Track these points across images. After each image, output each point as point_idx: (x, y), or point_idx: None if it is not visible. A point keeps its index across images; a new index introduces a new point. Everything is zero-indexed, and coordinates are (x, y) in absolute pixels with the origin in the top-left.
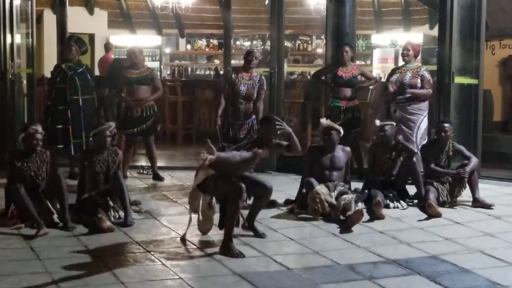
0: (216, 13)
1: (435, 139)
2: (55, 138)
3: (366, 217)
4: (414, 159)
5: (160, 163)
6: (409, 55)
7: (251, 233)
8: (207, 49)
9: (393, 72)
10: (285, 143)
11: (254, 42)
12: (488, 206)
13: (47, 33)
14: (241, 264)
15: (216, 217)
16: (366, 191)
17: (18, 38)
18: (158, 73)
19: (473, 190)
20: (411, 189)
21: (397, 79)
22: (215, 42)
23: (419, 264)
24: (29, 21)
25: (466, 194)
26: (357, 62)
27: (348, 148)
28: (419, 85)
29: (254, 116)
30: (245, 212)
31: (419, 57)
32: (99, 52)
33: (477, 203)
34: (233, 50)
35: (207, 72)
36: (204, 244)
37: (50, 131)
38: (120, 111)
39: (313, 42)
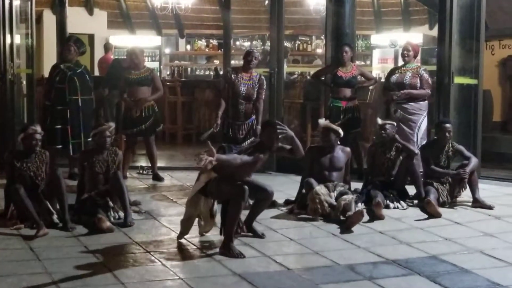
0: (216, 14)
1: (435, 139)
2: (54, 138)
3: (366, 217)
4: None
5: (160, 163)
6: (409, 55)
7: (251, 234)
8: (206, 50)
9: (392, 72)
10: (288, 147)
11: (254, 42)
12: (488, 207)
13: (47, 33)
14: (241, 265)
15: (217, 220)
16: (366, 191)
17: (17, 39)
18: (158, 74)
19: (473, 190)
20: (411, 190)
21: (397, 79)
22: (214, 42)
23: (419, 264)
24: (28, 21)
25: (466, 194)
26: (357, 62)
27: (348, 149)
28: (418, 85)
29: (254, 117)
30: (245, 212)
31: (418, 57)
32: (99, 53)
33: (477, 203)
34: (232, 51)
35: (207, 73)
36: (204, 245)
37: (49, 131)
38: (119, 112)
39: (312, 43)
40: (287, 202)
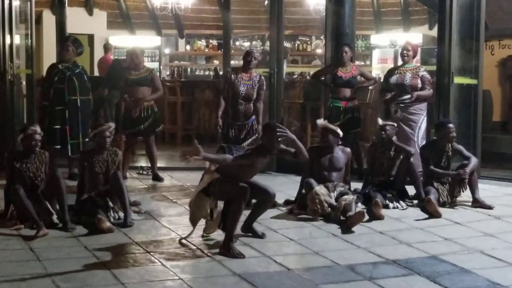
0: (216, 14)
1: (435, 139)
2: (53, 138)
3: (366, 217)
4: (412, 159)
5: (159, 163)
6: (409, 55)
7: (251, 234)
8: (206, 50)
9: (390, 72)
10: (292, 150)
11: (254, 42)
12: (488, 207)
13: (47, 33)
14: (241, 265)
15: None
16: (365, 192)
17: (17, 39)
18: (158, 74)
19: (473, 190)
20: (411, 190)
21: (397, 80)
22: (214, 42)
23: (419, 264)
24: (28, 21)
25: (465, 195)
26: (357, 63)
27: (348, 149)
28: (419, 85)
29: (254, 117)
30: (246, 213)
31: (418, 58)
32: (99, 53)
33: (477, 203)
34: (232, 51)
35: (207, 73)
36: (204, 245)
37: (48, 132)
38: (119, 112)
39: (312, 43)
40: (287, 202)
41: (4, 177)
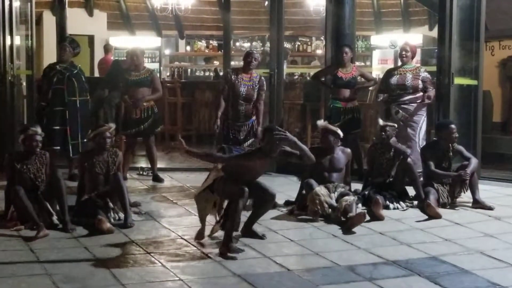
0: (216, 15)
1: (436, 140)
2: (52, 139)
3: (367, 218)
4: (410, 160)
5: (160, 164)
6: (407, 56)
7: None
8: (206, 51)
9: (389, 73)
10: (297, 152)
11: (254, 43)
12: (488, 208)
13: (47, 34)
14: (241, 266)
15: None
16: (364, 193)
17: (17, 40)
18: (158, 75)
19: (473, 191)
20: (411, 190)
21: (397, 81)
22: (214, 43)
23: (419, 265)
24: (28, 22)
25: (466, 195)
26: (357, 63)
27: (348, 150)
28: (420, 86)
29: (254, 118)
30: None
31: (418, 58)
32: (99, 54)
33: (477, 204)
34: (232, 52)
35: (207, 74)
36: (204, 246)
37: (47, 133)
38: (119, 113)
39: (312, 43)
40: (287, 203)
41: (4, 178)
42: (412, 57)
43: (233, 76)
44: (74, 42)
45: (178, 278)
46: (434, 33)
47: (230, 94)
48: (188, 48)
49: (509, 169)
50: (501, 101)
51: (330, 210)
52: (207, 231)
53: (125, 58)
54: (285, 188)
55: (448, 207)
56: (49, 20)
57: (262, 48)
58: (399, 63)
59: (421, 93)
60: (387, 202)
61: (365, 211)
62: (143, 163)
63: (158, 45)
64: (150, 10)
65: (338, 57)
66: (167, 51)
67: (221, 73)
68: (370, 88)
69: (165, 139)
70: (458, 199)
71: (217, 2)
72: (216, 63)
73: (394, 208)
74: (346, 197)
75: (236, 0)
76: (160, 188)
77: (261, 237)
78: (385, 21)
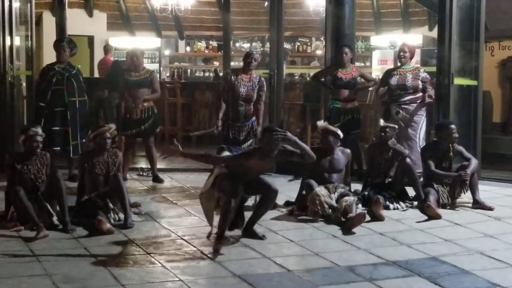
0: (216, 15)
1: (436, 140)
2: (52, 140)
3: (367, 218)
4: (408, 160)
5: (159, 165)
6: (406, 56)
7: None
8: (206, 51)
9: (388, 73)
10: (298, 151)
11: (254, 44)
12: (488, 208)
13: (47, 35)
14: (241, 266)
15: None
16: (364, 194)
17: (17, 41)
18: (158, 75)
19: (473, 191)
20: (411, 191)
21: (398, 82)
22: (214, 44)
23: (419, 265)
24: (28, 23)
25: (466, 196)
26: (356, 64)
27: (348, 150)
28: (420, 86)
29: (254, 118)
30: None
31: (418, 59)
32: (99, 54)
33: (477, 204)
34: (232, 52)
35: (207, 74)
36: (204, 246)
37: (46, 133)
38: (119, 113)
39: (312, 44)
40: (287, 204)
41: (5, 178)
42: (411, 58)
43: (232, 77)
44: (72, 43)
45: (178, 279)
46: (434, 33)
47: (230, 94)
48: (188, 48)
49: (509, 169)
50: (501, 102)
51: (330, 210)
52: (200, 233)
53: (125, 59)
54: (285, 188)
55: (448, 207)
56: (49, 21)
57: (261, 49)
58: (398, 64)
59: (421, 93)
60: (387, 202)
61: (365, 211)
62: (143, 164)
63: (157, 46)
64: (150, 10)
65: (338, 57)
66: (166, 52)
67: (221, 74)
68: (370, 89)
69: (165, 140)
70: (458, 200)
71: (217, 2)
72: (216, 63)
73: (394, 209)
74: (346, 198)
75: (236, 1)
76: (160, 188)
77: (261, 237)
78: (384, 21)
